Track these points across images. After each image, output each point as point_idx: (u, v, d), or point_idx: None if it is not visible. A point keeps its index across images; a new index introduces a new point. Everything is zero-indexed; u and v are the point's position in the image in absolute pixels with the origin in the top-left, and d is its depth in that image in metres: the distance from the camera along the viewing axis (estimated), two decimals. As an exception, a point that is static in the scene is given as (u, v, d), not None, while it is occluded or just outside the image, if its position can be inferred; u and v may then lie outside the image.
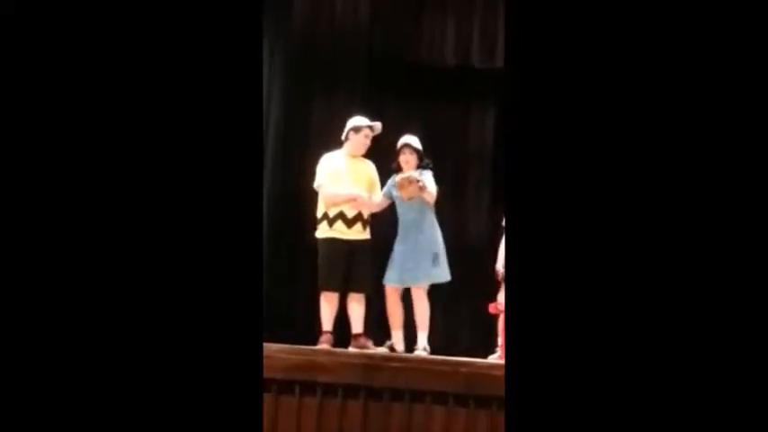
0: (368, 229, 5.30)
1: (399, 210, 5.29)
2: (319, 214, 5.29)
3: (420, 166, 5.32)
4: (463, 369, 4.29)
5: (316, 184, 5.31)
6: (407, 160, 5.31)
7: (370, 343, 5.16)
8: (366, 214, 5.27)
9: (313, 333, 5.28)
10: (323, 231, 5.26)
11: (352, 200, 5.21)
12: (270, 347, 4.42)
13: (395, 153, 5.36)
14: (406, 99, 7.22)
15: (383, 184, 5.40)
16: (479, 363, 4.63)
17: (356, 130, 5.32)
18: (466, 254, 6.60)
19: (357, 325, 5.22)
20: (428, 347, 5.11)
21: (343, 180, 5.26)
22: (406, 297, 5.28)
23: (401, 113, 7.18)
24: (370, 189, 5.33)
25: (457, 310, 6.97)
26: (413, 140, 5.38)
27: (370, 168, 5.39)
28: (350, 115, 5.50)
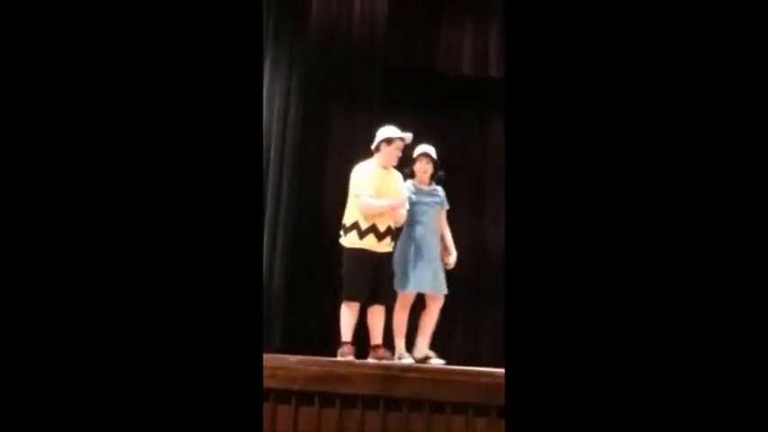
0: (393, 242, 5.31)
1: (416, 219, 5.34)
2: (348, 222, 5.22)
3: (434, 178, 5.44)
4: (483, 379, 4.25)
5: (353, 194, 5.27)
6: (425, 169, 5.39)
7: (388, 354, 5.15)
8: (395, 227, 5.27)
9: (330, 344, 5.28)
10: (352, 241, 5.19)
11: (393, 209, 5.21)
12: (289, 359, 4.42)
13: (411, 160, 5.41)
14: (422, 109, 7.23)
15: None
16: (499, 373, 4.59)
17: (388, 141, 5.30)
18: (484, 265, 6.58)
19: (377, 336, 5.21)
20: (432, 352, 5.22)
21: (381, 192, 5.24)
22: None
23: (418, 123, 7.18)
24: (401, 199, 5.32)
25: (476, 321, 6.96)
26: (431, 149, 5.43)
27: (399, 179, 5.38)
28: (368, 124, 5.51)
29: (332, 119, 7.02)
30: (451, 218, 5.55)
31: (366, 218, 5.17)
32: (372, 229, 5.17)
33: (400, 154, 5.33)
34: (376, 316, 5.21)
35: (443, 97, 7.29)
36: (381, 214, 5.19)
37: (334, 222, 5.42)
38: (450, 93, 7.27)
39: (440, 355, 5.35)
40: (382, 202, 5.20)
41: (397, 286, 5.28)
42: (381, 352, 5.14)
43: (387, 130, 5.35)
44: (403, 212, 5.29)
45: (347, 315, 5.16)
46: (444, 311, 5.45)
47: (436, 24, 7.27)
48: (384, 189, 5.25)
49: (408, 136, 5.33)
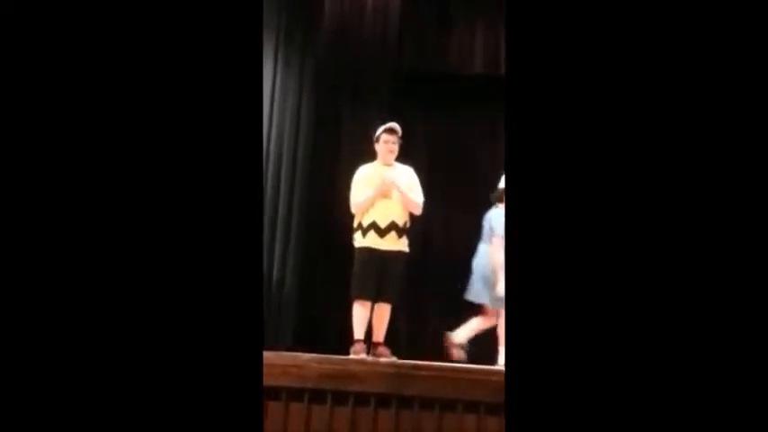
0: (404, 239, 5.29)
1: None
2: (355, 224, 5.31)
3: None
4: (495, 378, 4.26)
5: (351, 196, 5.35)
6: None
7: (388, 352, 5.17)
8: (402, 222, 5.26)
9: (343, 342, 5.30)
10: (358, 241, 5.27)
11: (384, 189, 5.21)
12: (301, 356, 4.44)
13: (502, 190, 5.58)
14: (434, 107, 7.23)
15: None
16: (511, 372, 4.60)
17: (377, 140, 5.38)
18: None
19: (379, 334, 5.25)
20: None
21: (374, 188, 5.27)
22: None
23: (430, 124, 7.19)
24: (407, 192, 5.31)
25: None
26: None
27: (404, 173, 5.38)
28: (379, 123, 5.52)
29: (344, 117, 7.04)
30: (460, 219, 5.59)
31: (365, 216, 5.22)
32: (372, 225, 5.20)
33: (394, 147, 5.32)
34: (381, 313, 5.23)
35: (455, 96, 7.28)
36: (382, 209, 5.21)
37: (346, 220, 5.45)
38: (461, 92, 7.26)
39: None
40: (365, 196, 5.24)
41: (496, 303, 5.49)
42: (381, 350, 5.16)
43: (378, 130, 5.40)
44: (415, 200, 5.29)
45: (359, 313, 5.19)
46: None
47: (448, 23, 7.27)
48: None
49: (394, 127, 5.33)
